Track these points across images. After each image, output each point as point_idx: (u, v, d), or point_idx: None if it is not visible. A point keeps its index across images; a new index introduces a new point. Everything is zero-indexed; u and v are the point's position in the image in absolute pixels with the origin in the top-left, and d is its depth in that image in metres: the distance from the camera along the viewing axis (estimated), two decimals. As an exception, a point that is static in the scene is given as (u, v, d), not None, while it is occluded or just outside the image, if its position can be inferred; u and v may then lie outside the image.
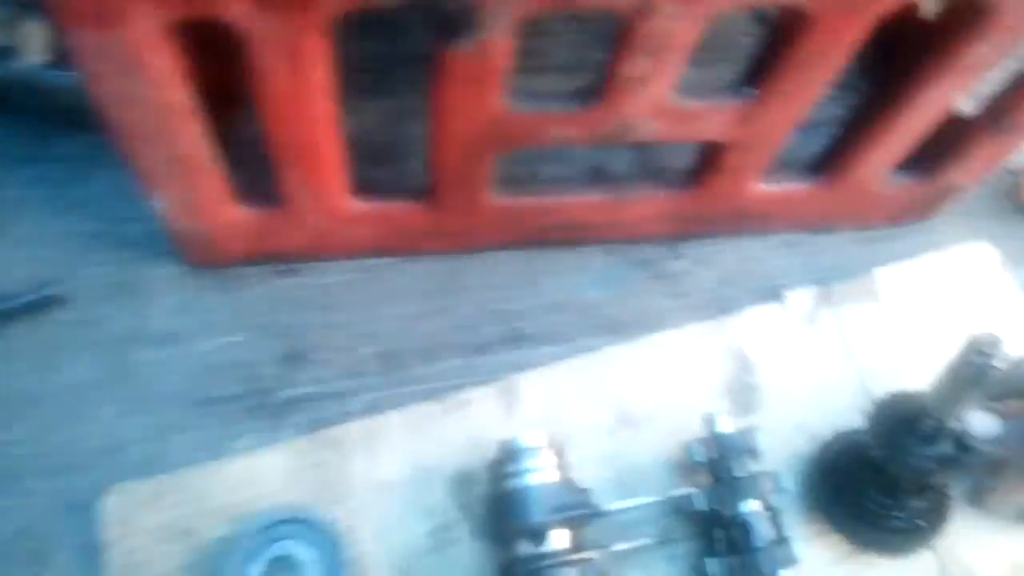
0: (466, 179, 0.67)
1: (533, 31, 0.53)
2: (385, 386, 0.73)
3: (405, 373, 0.74)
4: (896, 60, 0.66)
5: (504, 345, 0.76)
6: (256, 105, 0.55)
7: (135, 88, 0.51)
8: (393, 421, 0.70)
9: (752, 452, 0.65)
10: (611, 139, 0.62)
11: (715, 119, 0.62)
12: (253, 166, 0.64)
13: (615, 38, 0.54)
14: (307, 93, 0.54)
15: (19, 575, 0.63)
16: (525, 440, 0.65)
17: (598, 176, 0.83)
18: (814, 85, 0.60)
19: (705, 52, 0.58)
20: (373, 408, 0.71)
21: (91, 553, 0.63)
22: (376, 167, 0.70)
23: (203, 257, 0.73)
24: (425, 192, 0.70)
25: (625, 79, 0.55)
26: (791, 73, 0.59)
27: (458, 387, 0.72)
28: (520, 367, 0.74)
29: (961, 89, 0.65)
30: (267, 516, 0.63)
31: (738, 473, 0.64)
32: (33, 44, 0.73)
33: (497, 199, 0.71)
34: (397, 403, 0.71)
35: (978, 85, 0.68)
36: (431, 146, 0.65)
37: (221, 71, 0.57)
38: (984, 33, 0.58)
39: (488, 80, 0.54)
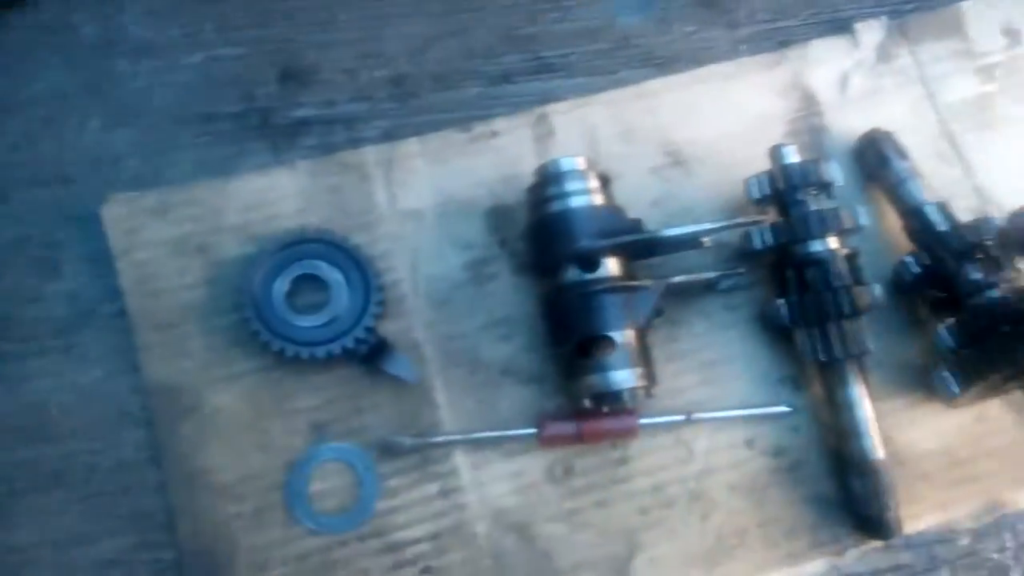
0: None
1: None
2: (399, 114, 0.64)
3: (420, 101, 0.65)
4: None
5: (529, 75, 0.66)
6: None
7: None
8: (413, 149, 0.62)
9: (829, 185, 0.57)
10: None
11: None
12: None
13: None
14: None
15: (30, 284, 0.58)
16: (565, 163, 0.58)
17: None
18: None
19: None
20: (388, 136, 0.63)
21: (100, 263, 0.58)
22: None
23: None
24: None
25: None
26: None
27: (480, 118, 0.64)
28: (550, 99, 0.65)
29: None
30: (290, 234, 0.57)
31: (813, 206, 0.56)
32: None
33: None
34: (414, 132, 0.63)
35: None
36: None
37: None
38: None
39: None
